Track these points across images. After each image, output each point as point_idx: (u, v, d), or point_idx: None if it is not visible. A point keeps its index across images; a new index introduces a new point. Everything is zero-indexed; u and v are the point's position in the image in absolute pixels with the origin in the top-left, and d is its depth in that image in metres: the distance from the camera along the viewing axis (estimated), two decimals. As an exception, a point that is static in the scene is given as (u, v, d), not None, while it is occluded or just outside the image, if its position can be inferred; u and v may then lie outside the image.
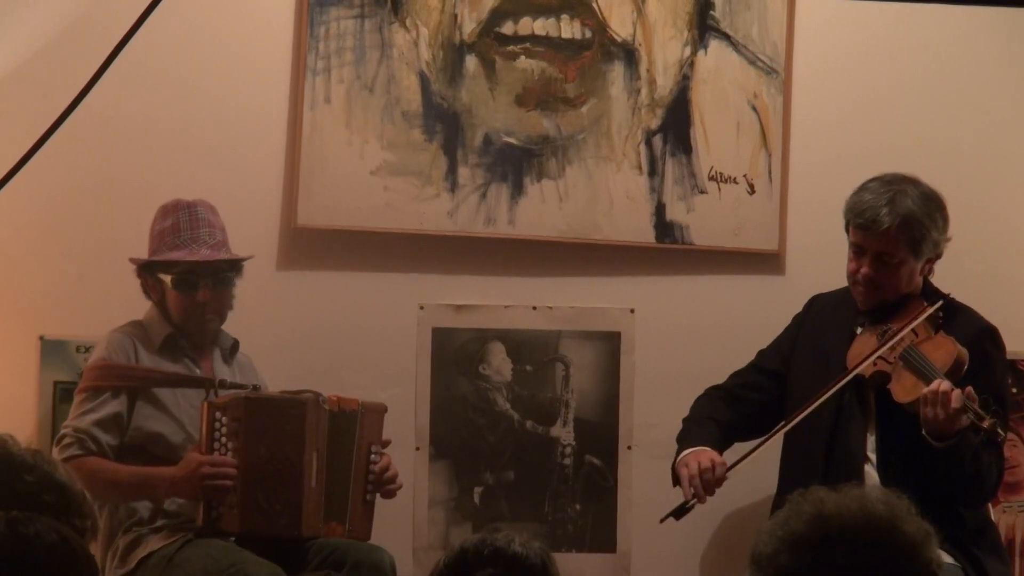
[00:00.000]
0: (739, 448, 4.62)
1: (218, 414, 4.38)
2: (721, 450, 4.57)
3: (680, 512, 4.47)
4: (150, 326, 4.58)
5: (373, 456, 4.52)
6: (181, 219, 4.52)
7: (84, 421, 4.42)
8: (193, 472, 4.32)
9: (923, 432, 4.23)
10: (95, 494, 4.32)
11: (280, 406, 4.42)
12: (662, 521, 4.48)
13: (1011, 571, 4.88)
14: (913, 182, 4.48)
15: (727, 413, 4.70)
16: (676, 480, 4.54)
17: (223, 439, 4.37)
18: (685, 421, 4.72)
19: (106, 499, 4.43)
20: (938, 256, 4.53)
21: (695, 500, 4.44)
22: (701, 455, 4.49)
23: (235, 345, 4.66)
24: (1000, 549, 4.60)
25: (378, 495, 4.52)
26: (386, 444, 4.57)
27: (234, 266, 4.57)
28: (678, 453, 4.59)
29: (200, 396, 4.46)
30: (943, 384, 4.19)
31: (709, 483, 4.43)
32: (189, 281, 4.50)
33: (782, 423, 4.53)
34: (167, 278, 4.51)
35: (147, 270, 4.56)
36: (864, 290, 4.52)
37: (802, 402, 4.49)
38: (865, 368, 4.44)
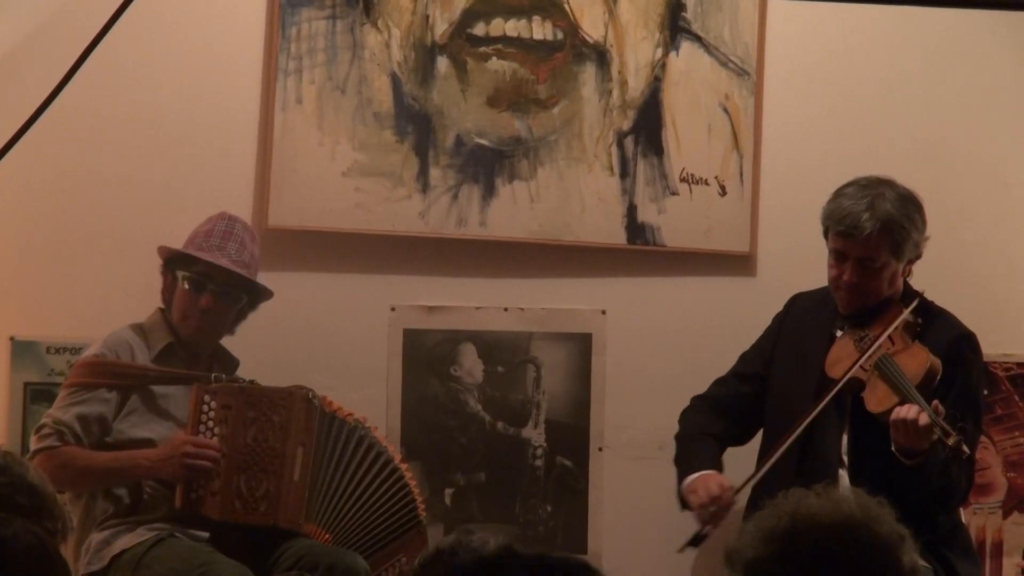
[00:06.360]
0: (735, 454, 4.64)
1: (207, 398, 4.40)
2: (722, 466, 4.59)
3: (697, 541, 4.43)
4: (151, 332, 4.57)
5: (397, 563, 4.55)
6: (217, 228, 4.53)
7: (67, 413, 4.40)
8: (175, 451, 4.32)
9: (892, 449, 4.23)
10: (66, 482, 4.35)
11: (270, 396, 4.44)
12: (680, 551, 4.46)
13: (981, 573, 4.89)
14: (889, 184, 4.47)
15: (718, 424, 4.70)
16: (684, 504, 4.54)
17: (210, 423, 4.39)
18: (680, 440, 4.71)
19: (78, 487, 4.43)
20: (918, 256, 4.51)
21: (709, 527, 4.43)
22: (709, 480, 4.48)
23: (234, 366, 4.64)
24: (971, 551, 4.59)
25: None
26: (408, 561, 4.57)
27: (249, 290, 4.55)
28: (682, 476, 4.58)
29: None
30: (912, 409, 4.17)
31: (722, 509, 4.42)
32: (199, 283, 4.50)
33: (782, 440, 4.48)
34: (183, 276, 4.51)
35: (169, 267, 4.56)
36: (846, 295, 4.50)
37: (782, 402, 4.53)
38: (839, 373, 4.44)
